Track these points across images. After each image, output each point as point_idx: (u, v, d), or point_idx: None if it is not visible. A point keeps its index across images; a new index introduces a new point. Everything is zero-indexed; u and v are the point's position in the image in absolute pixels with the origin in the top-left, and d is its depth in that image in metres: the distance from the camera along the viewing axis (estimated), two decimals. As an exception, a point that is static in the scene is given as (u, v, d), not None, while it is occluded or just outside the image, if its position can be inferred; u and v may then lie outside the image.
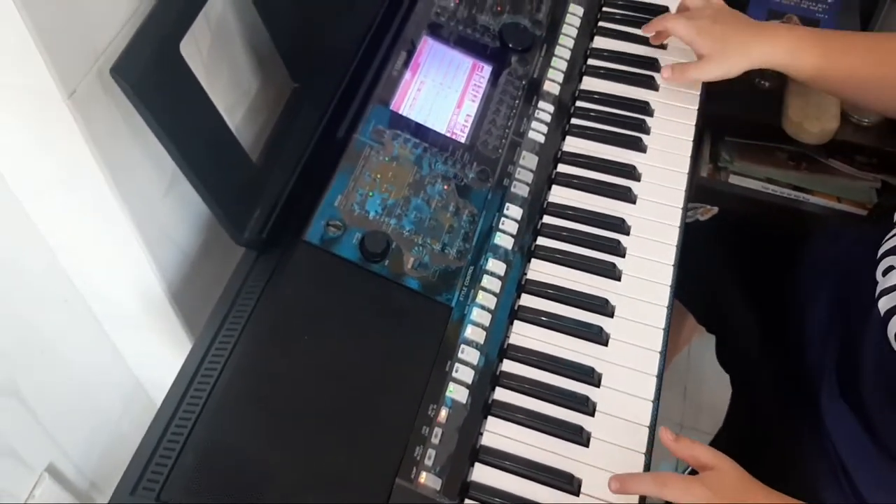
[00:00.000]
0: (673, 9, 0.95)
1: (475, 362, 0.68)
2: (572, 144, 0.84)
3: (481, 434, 0.65)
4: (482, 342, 0.69)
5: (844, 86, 0.84)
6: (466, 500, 0.62)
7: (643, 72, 0.89)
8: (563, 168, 0.82)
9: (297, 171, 0.75)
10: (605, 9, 0.97)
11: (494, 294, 0.72)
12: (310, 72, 0.81)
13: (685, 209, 0.78)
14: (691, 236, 0.78)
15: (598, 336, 0.70)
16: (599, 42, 0.93)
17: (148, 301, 0.82)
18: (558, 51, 0.90)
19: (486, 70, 0.87)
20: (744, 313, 0.93)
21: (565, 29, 0.92)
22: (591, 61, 0.91)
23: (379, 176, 0.75)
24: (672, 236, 0.76)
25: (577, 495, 0.62)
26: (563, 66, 0.89)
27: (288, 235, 0.72)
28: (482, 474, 0.63)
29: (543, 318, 0.71)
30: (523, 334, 0.71)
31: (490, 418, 0.66)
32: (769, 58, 0.82)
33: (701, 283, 0.95)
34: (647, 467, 0.64)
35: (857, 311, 0.75)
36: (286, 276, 0.70)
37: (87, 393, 0.95)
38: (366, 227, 0.72)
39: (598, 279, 0.74)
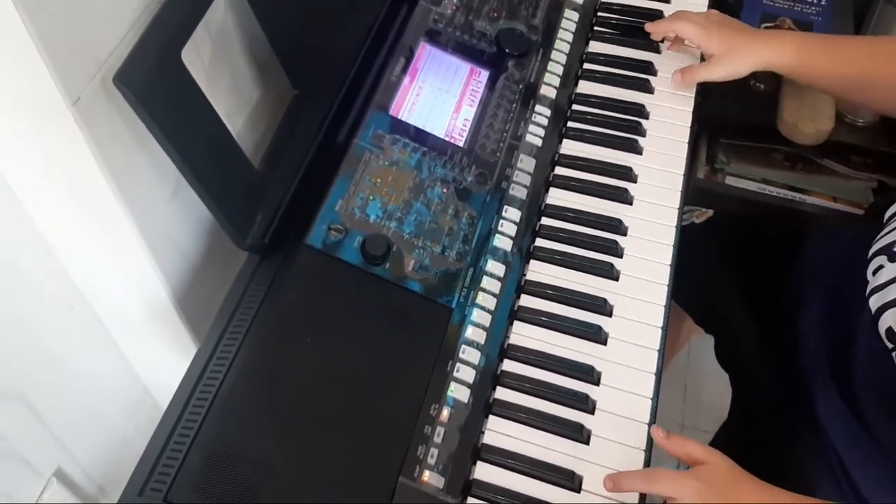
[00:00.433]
0: (667, 13, 0.96)
1: (476, 362, 0.69)
2: (569, 147, 0.85)
3: (483, 433, 0.66)
4: (483, 342, 0.70)
5: (845, 85, 0.87)
6: (469, 498, 0.63)
7: (638, 75, 0.91)
8: (560, 171, 0.83)
9: (299, 176, 0.76)
10: (600, 14, 0.98)
11: (494, 295, 0.73)
12: (310, 78, 0.82)
13: (681, 209, 0.79)
14: (687, 238, 0.79)
15: (597, 335, 0.71)
16: (595, 46, 0.94)
17: (153, 306, 0.83)
18: (554, 55, 0.91)
19: (484, 75, 0.88)
20: (740, 314, 0.94)
21: (561, 34, 0.93)
22: (586, 65, 0.92)
23: (379, 180, 0.76)
24: (669, 236, 0.77)
25: (579, 492, 0.63)
26: (560, 70, 0.90)
27: (290, 239, 0.73)
28: (484, 472, 0.64)
29: (543, 318, 0.72)
30: (523, 334, 0.72)
31: (491, 417, 0.67)
32: (775, 59, 0.85)
33: (697, 285, 0.96)
34: (648, 463, 0.65)
35: (850, 310, 0.76)
36: (289, 280, 0.71)
37: (94, 398, 0.95)
38: (367, 231, 0.73)
39: (596, 279, 0.75)
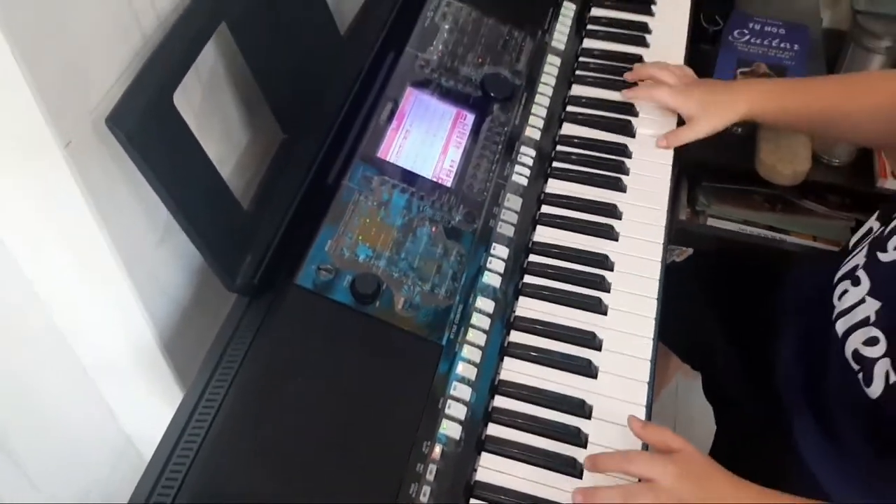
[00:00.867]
0: (646, 58, 0.99)
1: (467, 398, 0.69)
2: (554, 186, 0.87)
3: (475, 470, 0.66)
4: (473, 378, 0.70)
5: (819, 123, 0.91)
6: (463, 537, 0.62)
7: (620, 116, 0.93)
8: (546, 209, 0.85)
9: (288, 217, 0.76)
10: (581, 59, 1.01)
11: (484, 331, 0.73)
12: (298, 122, 0.83)
13: (666, 245, 0.81)
14: (668, 277, 0.80)
15: (587, 369, 0.71)
16: (577, 90, 0.97)
17: (139, 351, 0.83)
18: (538, 98, 0.93)
19: (470, 118, 0.90)
20: (723, 347, 0.96)
21: (544, 78, 0.96)
22: (569, 108, 0.95)
23: (368, 220, 0.77)
24: (654, 271, 0.78)
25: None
26: (543, 112, 0.92)
27: (279, 280, 0.73)
28: (477, 511, 0.63)
29: (533, 354, 0.73)
30: (514, 370, 0.72)
31: (484, 454, 0.67)
32: (751, 110, 0.89)
33: (681, 322, 0.97)
34: (641, 497, 0.64)
35: (820, 335, 0.78)
36: (279, 320, 0.71)
37: (78, 449, 0.94)
38: (356, 270, 0.73)
39: (584, 314, 0.76)
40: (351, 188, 0.79)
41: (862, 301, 0.74)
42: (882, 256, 0.74)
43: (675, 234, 1.39)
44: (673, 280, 0.81)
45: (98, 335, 0.82)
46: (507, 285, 0.78)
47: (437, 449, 0.65)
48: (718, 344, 0.97)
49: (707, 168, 1.47)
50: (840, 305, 0.77)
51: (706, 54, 1.40)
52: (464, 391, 0.69)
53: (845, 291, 0.77)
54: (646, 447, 0.66)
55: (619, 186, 0.86)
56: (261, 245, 0.74)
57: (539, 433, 0.68)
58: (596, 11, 1.07)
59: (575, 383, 0.71)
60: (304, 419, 0.66)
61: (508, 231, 0.81)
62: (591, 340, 0.73)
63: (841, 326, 0.76)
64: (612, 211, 0.84)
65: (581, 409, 0.69)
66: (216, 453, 0.63)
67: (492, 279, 0.77)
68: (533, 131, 0.90)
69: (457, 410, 0.68)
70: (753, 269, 1.01)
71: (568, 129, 0.92)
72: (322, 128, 0.83)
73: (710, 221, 1.46)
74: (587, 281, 0.78)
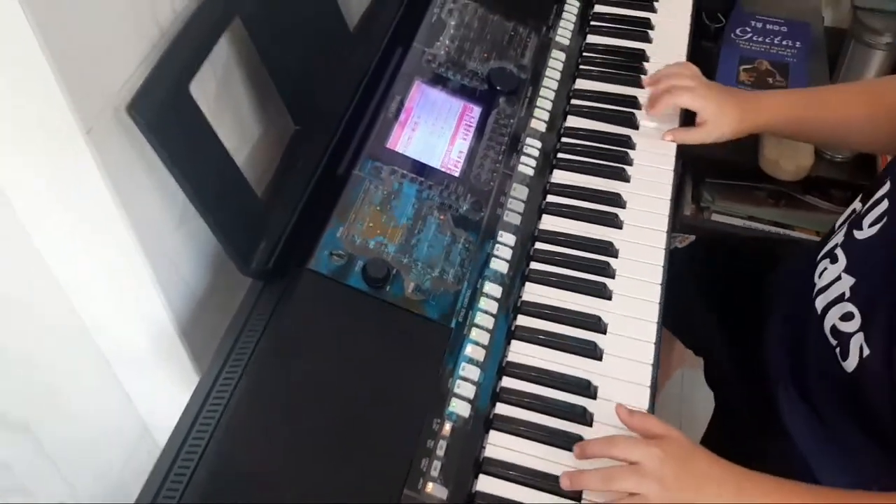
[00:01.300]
0: (649, 53, 1.01)
1: (476, 379, 0.71)
2: (560, 177, 0.89)
3: (484, 447, 0.68)
4: (482, 360, 0.72)
5: (824, 133, 0.93)
6: (472, 511, 0.64)
7: (624, 109, 0.95)
8: (552, 198, 0.87)
9: (301, 205, 0.79)
10: (585, 54, 1.03)
11: (492, 315, 0.75)
12: (310, 115, 0.85)
13: (669, 232, 0.82)
14: (671, 263, 0.82)
15: (592, 351, 0.73)
16: (581, 84, 0.99)
17: (157, 338, 0.85)
18: (543, 92, 0.95)
19: (476, 111, 0.92)
20: (719, 332, 0.97)
21: (549, 72, 0.98)
22: (574, 101, 0.97)
23: (378, 208, 0.79)
24: (658, 257, 0.80)
25: (580, 500, 0.64)
26: (549, 105, 0.94)
27: (293, 265, 0.75)
28: (487, 484, 0.65)
29: (540, 337, 0.75)
30: (521, 352, 0.74)
31: (492, 432, 0.69)
32: (764, 123, 0.91)
33: (682, 307, 0.99)
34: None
35: (803, 314, 0.80)
36: (292, 303, 0.73)
37: (95, 435, 0.96)
38: (367, 256, 0.75)
39: (590, 299, 0.77)
40: (361, 177, 0.81)
41: (838, 278, 0.76)
42: (858, 234, 0.76)
43: (680, 229, 1.40)
44: (675, 266, 0.83)
45: (117, 322, 0.84)
46: (514, 271, 0.80)
47: (448, 426, 0.67)
48: (715, 327, 0.99)
49: (711, 164, 1.49)
50: (819, 283, 0.79)
51: (708, 51, 1.42)
52: (472, 371, 0.71)
53: (825, 269, 0.79)
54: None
55: (623, 176, 0.88)
56: (274, 231, 0.76)
57: (545, 412, 0.69)
58: (599, 8, 1.09)
59: (580, 365, 0.73)
60: (317, 399, 0.68)
61: (515, 220, 0.83)
62: (596, 324, 0.75)
63: (820, 303, 0.78)
64: (616, 200, 0.86)
65: (587, 389, 0.71)
66: (232, 434, 0.65)
67: (499, 265, 0.79)
68: (538, 124, 0.92)
69: (466, 390, 0.70)
70: (750, 256, 1.03)
71: (573, 121, 0.95)
72: (333, 120, 0.85)
73: (715, 217, 1.48)
74: (592, 267, 0.80)
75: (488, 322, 0.75)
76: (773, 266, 0.97)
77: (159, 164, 0.68)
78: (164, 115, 0.65)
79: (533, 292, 0.78)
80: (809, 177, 1.38)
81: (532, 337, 0.75)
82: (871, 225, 0.75)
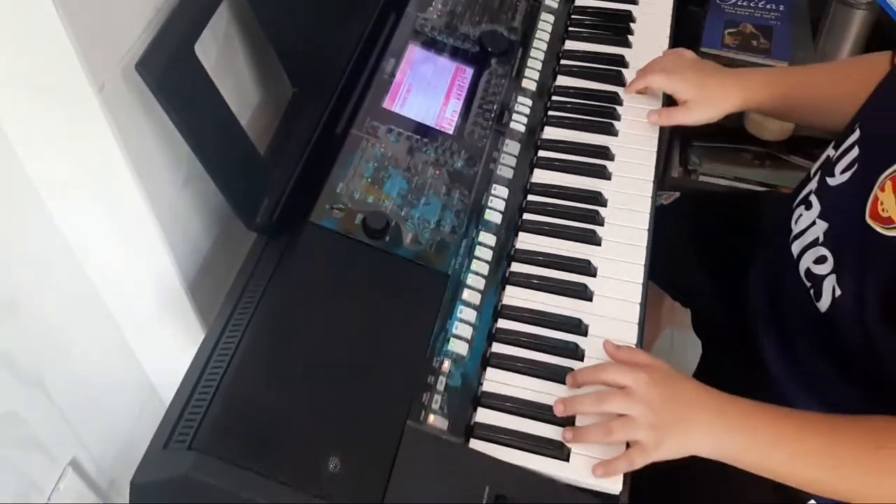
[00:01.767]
0: (635, 13, 1.04)
1: (473, 321, 0.74)
2: (551, 133, 0.92)
3: (481, 383, 0.72)
4: (478, 303, 0.76)
5: (809, 111, 0.94)
6: (472, 440, 0.68)
7: (611, 67, 0.98)
8: (543, 153, 0.90)
9: (301, 162, 0.82)
10: (573, 16, 1.06)
11: (487, 262, 0.79)
12: (308, 77, 0.88)
13: (656, 181, 0.86)
14: (657, 219, 0.85)
15: (583, 293, 0.77)
16: (570, 45, 1.02)
17: (165, 294, 0.88)
18: (533, 53, 0.99)
19: (469, 72, 0.95)
20: (705, 282, 1.01)
21: (538, 34, 1.01)
22: (563, 61, 1.00)
23: (376, 164, 0.83)
24: (645, 205, 0.84)
25: (574, 424, 0.68)
26: (539, 66, 0.98)
27: (296, 219, 0.78)
28: (485, 416, 0.69)
29: (533, 281, 0.78)
30: (515, 296, 0.78)
31: (489, 369, 0.72)
32: (748, 101, 0.92)
33: (668, 260, 1.03)
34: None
35: (780, 260, 0.84)
36: (296, 255, 0.76)
37: (104, 392, 0.99)
38: (366, 210, 0.79)
39: (580, 245, 0.81)
40: (359, 136, 0.84)
41: (813, 223, 0.80)
42: (830, 181, 0.79)
43: (668, 188, 1.44)
44: (660, 221, 0.86)
45: (125, 278, 0.87)
46: (508, 222, 0.83)
47: (447, 363, 0.71)
48: (701, 279, 1.03)
49: (697, 128, 1.51)
50: (795, 229, 0.83)
51: (695, 15, 1.45)
52: (469, 314, 0.75)
53: (800, 216, 0.83)
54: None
55: (612, 131, 0.92)
56: (277, 187, 0.80)
57: (539, 349, 0.73)
58: (586, -28, 1.12)
59: (572, 306, 0.77)
60: (322, 342, 0.71)
61: (507, 174, 0.87)
62: (586, 268, 0.79)
63: (796, 248, 0.81)
64: (604, 153, 0.89)
65: (578, 327, 0.75)
66: (242, 375, 0.68)
67: (493, 216, 0.83)
68: (529, 83, 0.96)
69: (463, 331, 0.74)
70: (735, 210, 1.07)
71: (562, 80, 0.98)
72: (330, 82, 0.88)
73: (702, 179, 1.51)
74: (582, 216, 0.83)
75: (483, 269, 0.79)
76: (757, 219, 1.01)
77: (165, 124, 0.71)
78: (171, 73, 0.68)
79: (526, 241, 0.82)
80: (793, 137, 1.42)
81: (525, 281, 0.79)
82: (842, 172, 0.78)
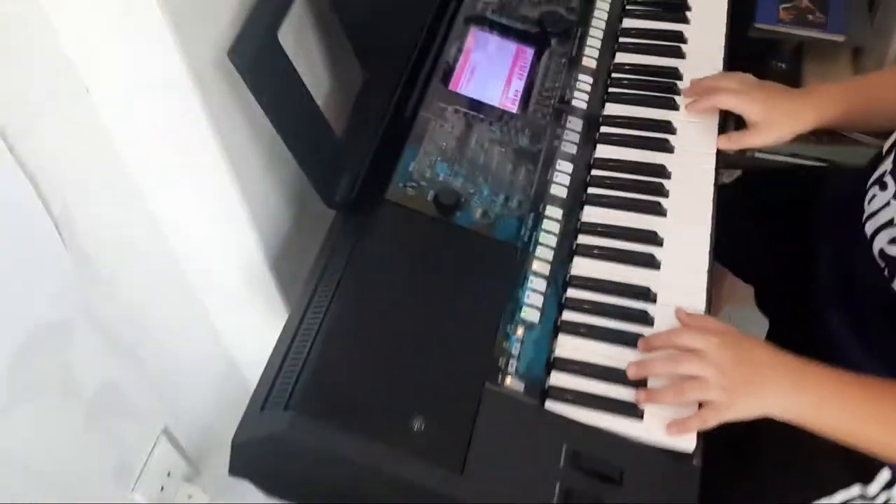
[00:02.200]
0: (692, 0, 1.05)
1: (543, 290, 0.78)
2: (612, 109, 0.95)
3: (553, 349, 0.75)
4: (547, 273, 0.79)
5: (879, 118, 0.92)
6: (547, 401, 0.71)
7: (670, 43, 1.00)
8: (605, 129, 0.93)
9: (375, 143, 0.86)
10: (630, -6, 1.08)
11: (554, 234, 0.82)
12: (378, 62, 0.92)
13: (718, 154, 0.88)
14: (719, 198, 0.86)
15: (650, 262, 0.80)
16: (628, 23, 1.04)
17: (249, 272, 0.93)
18: (592, 32, 1.01)
19: (530, 52, 0.98)
20: (770, 260, 1.02)
21: (597, 13, 1.03)
22: (621, 39, 1.02)
23: (444, 144, 0.87)
24: (709, 176, 0.87)
25: (645, 385, 0.71)
26: (598, 44, 1.00)
27: (372, 197, 0.83)
28: (558, 379, 0.73)
29: (598, 252, 0.81)
30: (583, 266, 0.81)
31: (560, 335, 0.76)
32: (818, 121, 0.90)
33: (731, 239, 1.04)
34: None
35: (852, 239, 0.83)
36: (374, 231, 0.81)
37: (194, 366, 1.06)
38: (438, 186, 0.83)
39: (645, 217, 0.84)
40: (428, 117, 0.88)
41: (887, 204, 0.79)
42: None
43: (725, 166, 1.44)
44: (722, 200, 0.87)
45: (211, 257, 0.93)
46: (573, 196, 0.86)
47: (520, 330, 0.75)
48: (767, 255, 1.04)
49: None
50: (869, 209, 0.82)
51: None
52: (540, 284, 0.78)
53: (874, 196, 0.82)
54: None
55: (672, 105, 0.94)
56: (354, 166, 0.84)
57: (609, 315, 0.76)
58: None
59: (640, 275, 0.79)
60: (403, 313, 0.75)
61: (571, 149, 0.90)
62: (653, 237, 0.82)
63: (869, 228, 0.81)
64: (667, 127, 0.91)
65: (646, 295, 0.78)
66: (329, 345, 0.72)
67: (558, 191, 0.86)
68: (589, 61, 0.98)
69: (535, 300, 0.77)
70: (797, 185, 1.07)
71: (621, 57, 1.00)
72: (400, 66, 0.92)
73: (759, 154, 1.51)
74: (647, 188, 0.86)
75: (552, 241, 0.82)
76: (819, 194, 1.01)
77: (252, 108, 0.76)
78: (259, 60, 0.73)
79: (592, 214, 0.85)
80: (852, 111, 1.41)
81: (592, 252, 0.82)
82: None
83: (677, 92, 0.95)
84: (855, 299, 0.85)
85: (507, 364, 0.72)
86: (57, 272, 0.76)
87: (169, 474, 1.01)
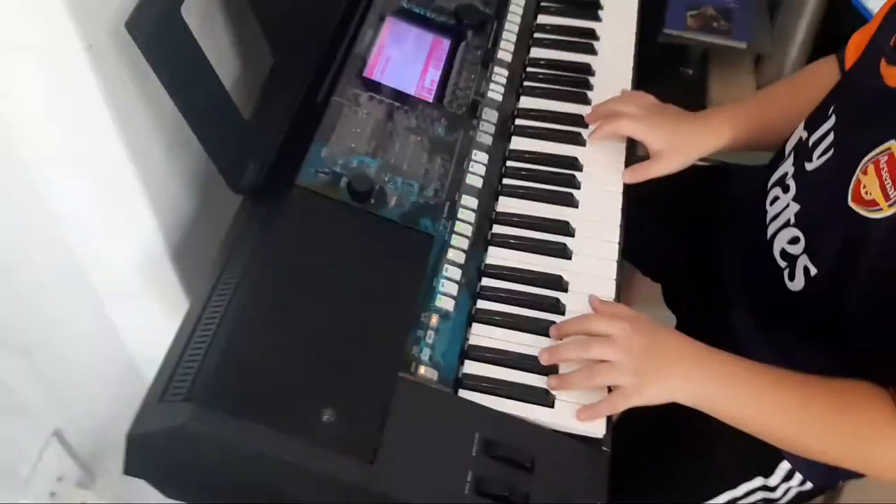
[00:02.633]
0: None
1: (458, 279, 0.77)
2: (526, 102, 0.95)
3: (468, 338, 0.74)
4: (462, 262, 0.78)
5: (775, 134, 0.92)
6: (460, 390, 0.70)
7: (582, 40, 1.02)
8: (520, 122, 0.93)
9: (286, 127, 0.83)
10: (545, -9, 1.09)
11: (470, 224, 0.82)
12: (289, 46, 0.90)
13: (628, 146, 0.90)
14: (626, 195, 0.87)
15: (562, 251, 0.80)
16: (542, 19, 1.05)
17: (148, 262, 0.88)
18: (508, 26, 1.01)
19: (446, 43, 0.97)
20: (675, 257, 1.05)
21: (512, 8, 1.04)
22: (536, 34, 1.03)
23: (358, 130, 0.84)
24: (619, 169, 0.88)
25: (557, 372, 0.71)
26: (513, 38, 1.00)
27: (282, 183, 0.80)
28: (472, 367, 0.72)
29: (513, 241, 0.81)
30: (498, 256, 0.80)
31: (475, 324, 0.75)
32: (718, 144, 0.91)
33: (638, 236, 1.05)
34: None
35: (754, 238, 0.86)
36: (284, 216, 0.78)
37: (89, 364, 1.00)
38: (351, 173, 0.81)
39: (558, 208, 0.84)
40: (341, 103, 0.86)
41: (787, 206, 0.82)
42: (808, 165, 0.81)
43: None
44: (629, 196, 0.88)
45: (107, 245, 0.87)
46: (488, 185, 0.86)
47: (435, 318, 0.73)
48: (673, 254, 1.06)
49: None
50: (771, 211, 0.85)
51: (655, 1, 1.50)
52: (454, 272, 0.77)
53: (776, 198, 0.85)
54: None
55: (585, 100, 0.95)
56: (262, 150, 0.81)
57: (522, 304, 0.76)
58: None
59: (552, 264, 0.80)
60: (313, 301, 0.73)
61: (487, 140, 0.89)
62: (565, 228, 0.82)
63: (771, 229, 0.84)
64: (578, 121, 0.92)
65: (559, 284, 0.78)
66: (234, 335, 0.69)
67: (474, 181, 0.85)
68: (504, 54, 0.98)
69: (450, 288, 0.76)
70: (702, 183, 1.10)
71: (536, 52, 1.01)
72: (311, 51, 0.89)
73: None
74: (560, 180, 0.86)
75: (467, 230, 0.81)
76: (722, 192, 1.04)
77: (151, 86, 0.72)
78: (160, 33, 0.69)
79: (506, 204, 0.85)
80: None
81: (507, 242, 0.81)
82: (819, 157, 0.79)
83: (590, 87, 0.96)
84: (758, 297, 0.87)
85: (420, 353, 0.71)
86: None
87: (60, 479, 0.95)
